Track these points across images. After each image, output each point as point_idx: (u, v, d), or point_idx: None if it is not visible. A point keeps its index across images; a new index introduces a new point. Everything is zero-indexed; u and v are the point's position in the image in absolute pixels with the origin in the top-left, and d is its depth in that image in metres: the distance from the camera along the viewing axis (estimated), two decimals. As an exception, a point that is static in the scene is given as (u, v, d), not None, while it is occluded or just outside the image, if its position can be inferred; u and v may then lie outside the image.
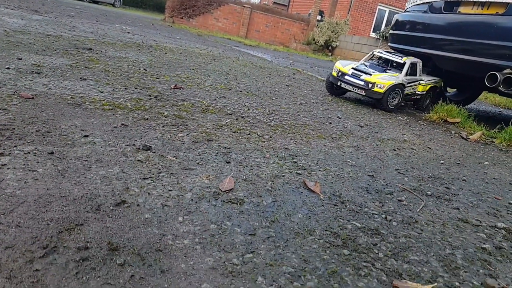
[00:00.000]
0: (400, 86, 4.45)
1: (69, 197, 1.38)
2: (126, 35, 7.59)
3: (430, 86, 5.04)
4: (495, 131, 4.02)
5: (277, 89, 4.62)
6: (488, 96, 8.27)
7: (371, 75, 4.38)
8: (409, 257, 1.41)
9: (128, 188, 1.54)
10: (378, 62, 5.00)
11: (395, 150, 2.88)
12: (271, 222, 1.50)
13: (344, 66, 4.64)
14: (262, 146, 2.40)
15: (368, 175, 2.22)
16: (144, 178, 1.65)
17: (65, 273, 1.02)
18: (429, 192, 2.12)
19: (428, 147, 3.19)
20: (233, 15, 16.61)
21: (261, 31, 17.10)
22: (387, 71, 4.62)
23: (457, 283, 1.29)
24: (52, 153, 1.70)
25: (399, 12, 6.23)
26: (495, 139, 3.84)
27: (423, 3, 5.10)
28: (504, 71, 3.81)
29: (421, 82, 4.86)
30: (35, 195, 1.36)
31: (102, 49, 4.98)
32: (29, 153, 1.66)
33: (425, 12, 4.98)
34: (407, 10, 5.54)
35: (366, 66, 4.74)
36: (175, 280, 1.08)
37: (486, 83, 3.93)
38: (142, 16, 16.80)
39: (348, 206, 1.75)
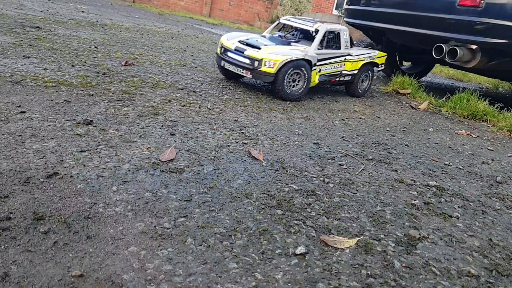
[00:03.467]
0: (303, 62, 3.13)
1: (-5, 171, 1.34)
2: (79, 14, 7.22)
3: (363, 63, 3.72)
4: (442, 101, 4.21)
5: (235, 66, 4.58)
6: (443, 69, 8.59)
7: (259, 49, 3.11)
8: (340, 214, 1.48)
9: (62, 160, 1.51)
10: (288, 33, 3.76)
11: (343, 120, 2.96)
12: (209, 188, 1.52)
13: (229, 39, 3.34)
14: (211, 119, 2.40)
15: (313, 143, 2.28)
16: (81, 151, 1.62)
17: (-19, 242, 1.00)
18: (370, 157, 2.21)
19: (377, 117, 3.30)
20: (195, -7, 16.16)
21: (224, 10, 16.78)
22: (293, 43, 3.42)
23: (382, 235, 1.38)
24: (-20, 129, 1.63)
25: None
26: (442, 108, 4.03)
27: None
28: (450, 43, 3.97)
29: (348, 58, 3.57)
30: (-43, 170, 1.30)
31: (51, 28, 4.73)
32: (-46, 130, 1.59)
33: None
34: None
35: (264, 38, 3.48)
36: (101, 245, 1.08)
37: (434, 55, 4.09)
38: (99, -5, 16.01)
39: (288, 171, 1.80)
